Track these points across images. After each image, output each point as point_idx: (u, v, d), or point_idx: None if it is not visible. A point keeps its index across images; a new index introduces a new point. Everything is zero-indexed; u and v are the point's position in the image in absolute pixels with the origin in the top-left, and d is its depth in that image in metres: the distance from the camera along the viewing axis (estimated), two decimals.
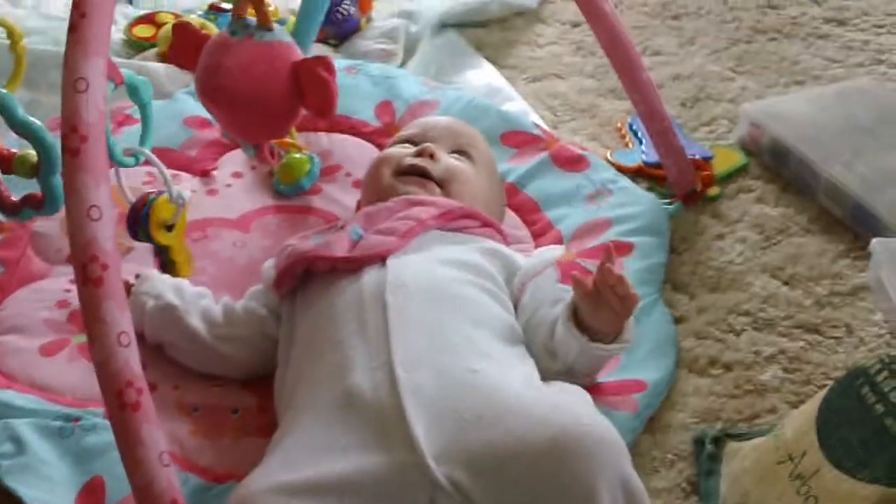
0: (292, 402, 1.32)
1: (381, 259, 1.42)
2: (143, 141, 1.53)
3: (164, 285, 1.54)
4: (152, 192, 1.52)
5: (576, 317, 1.36)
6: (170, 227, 1.53)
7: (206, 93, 1.61)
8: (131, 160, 1.50)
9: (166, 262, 1.52)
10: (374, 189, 1.61)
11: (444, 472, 1.16)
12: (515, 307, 1.46)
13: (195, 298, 1.53)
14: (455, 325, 1.34)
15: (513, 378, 1.28)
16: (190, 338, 1.49)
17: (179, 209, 1.53)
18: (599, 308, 1.34)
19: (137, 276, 1.57)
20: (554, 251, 1.57)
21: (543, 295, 1.46)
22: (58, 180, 1.36)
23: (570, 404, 1.25)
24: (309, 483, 1.15)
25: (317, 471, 1.16)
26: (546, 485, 1.13)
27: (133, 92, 1.49)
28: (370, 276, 1.39)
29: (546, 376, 1.37)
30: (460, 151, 1.65)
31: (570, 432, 1.14)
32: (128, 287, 1.49)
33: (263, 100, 1.60)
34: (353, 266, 1.42)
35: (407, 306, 1.34)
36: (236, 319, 1.50)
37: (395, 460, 1.18)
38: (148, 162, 1.53)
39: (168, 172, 1.52)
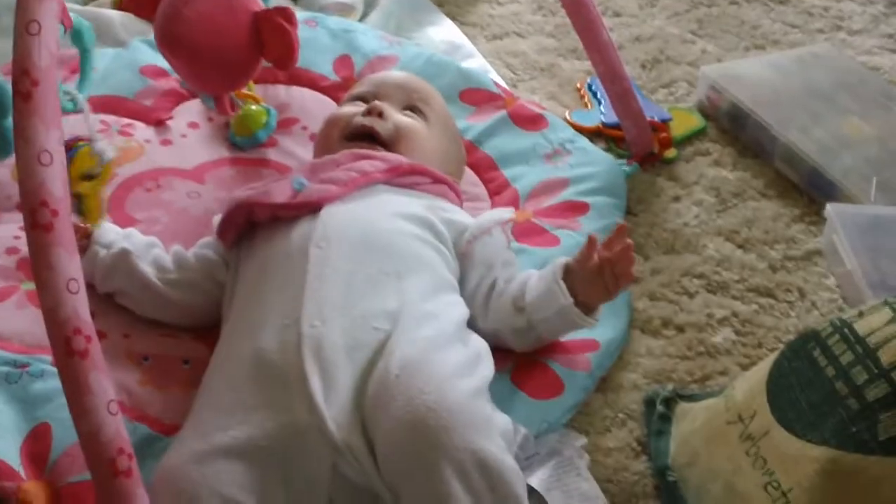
0: (214, 355, 1.31)
1: (316, 208, 1.40)
2: (81, 86, 1.50)
3: (115, 234, 1.52)
4: (81, 140, 1.50)
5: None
6: (90, 177, 1.50)
7: (165, 42, 1.59)
8: (70, 104, 1.47)
9: (77, 209, 1.50)
10: (324, 151, 1.59)
11: (343, 436, 1.15)
12: (462, 264, 1.46)
13: (145, 246, 1.51)
14: (376, 277, 1.32)
15: (418, 339, 1.25)
16: (141, 283, 1.48)
17: (100, 164, 1.50)
18: (594, 281, 1.36)
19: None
20: (504, 213, 1.56)
21: (494, 253, 1.46)
22: (9, 123, 1.34)
23: (442, 378, 1.20)
24: (219, 448, 1.14)
25: (225, 435, 1.16)
26: (408, 462, 1.12)
27: (77, 36, 1.47)
28: (301, 227, 1.38)
29: (495, 330, 1.40)
30: (413, 108, 1.63)
31: (420, 409, 1.13)
32: (84, 232, 1.49)
33: (223, 50, 1.58)
34: (289, 213, 1.40)
35: (329, 258, 1.32)
36: (186, 265, 1.49)
37: (296, 421, 1.17)
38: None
39: (94, 123, 1.49)
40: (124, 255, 1.48)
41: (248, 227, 1.45)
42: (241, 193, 1.47)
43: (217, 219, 1.51)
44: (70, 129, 1.47)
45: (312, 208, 1.40)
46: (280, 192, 1.43)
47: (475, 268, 1.45)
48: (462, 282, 1.45)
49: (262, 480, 1.14)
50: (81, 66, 1.50)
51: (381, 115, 1.58)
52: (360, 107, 1.62)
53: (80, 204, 1.46)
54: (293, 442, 1.16)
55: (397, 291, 1.31)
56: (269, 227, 1.42)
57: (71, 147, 1.42)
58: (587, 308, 1.38)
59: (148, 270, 1.48)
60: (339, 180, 1.44)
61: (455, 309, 1.37)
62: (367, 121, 1.58)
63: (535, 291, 1.40)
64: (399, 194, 1.47)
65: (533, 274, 1.44)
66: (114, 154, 1.44)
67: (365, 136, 1.57)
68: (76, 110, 1.49)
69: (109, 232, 1.53)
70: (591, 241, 1.37)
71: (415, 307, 1.30)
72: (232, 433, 1.16)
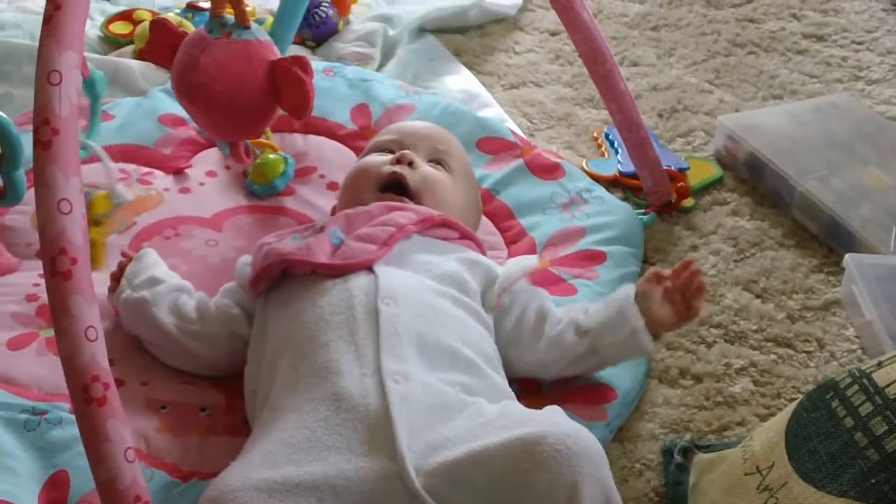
0: (268, 400, 1.30)
1: (365, 267, 1.41)
2: (90, 134, 1.51)
3: (145, 274, 1.53)
4: (93, 186, 1.50)
5: None
6: (98, 223, 1.51)
7: (182, 90, 1.61)
8: (81, 153, 1.48)
9: None
10: (353, 200, 1.59)
11: (423, 482, 1.16)
12: (495, 313, 1.47)
13: (170, 292, 1.52)
14: (445, 341, 1.33)
15: (493, 398, 1.29)
16: (160, 333, 1.49)
17: (115, 208, 1.51)
18: (665, 302, 1.41)
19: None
20: (529, 260, 1.57)
21: (527, 298, 1.49)
22: (20, 174, 1.35)
23: (549, 416, 1.25)
24: (290, 481, 1.14)
25: (298, 470, 1.15)
26: (526, 491, 1.13)
27: (89, 85, 1.48)
28: (359, 281, 1.38)
29: (541, 361, 1.45)
30: (438, 160, 1.63)
31: (554, 434, 1.14)
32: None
33: (239, 98, 1.59)
34: (336, 272, 1.41)
35: (398, 317, 1.33)
36: (208, 317, 1.49)
37: (377, 467, 1.17)
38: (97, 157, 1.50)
39: (114, 168, 1.50)
40: (142, 303, 1.49)
41: (280, 276, 1.46)
42: (279, 247, 1.46)
43: (241, 264, 1.52)
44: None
45: (360, 268, 1.41)
46: (321, 250, 1.43)
47: (511, 310, 1.48)
48: (498, 325, 1.47)
49: None
50: (92, 114, 1.51)
51: (411, 164, 1.59)
52: (387, 156, 1.62)
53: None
54: (370, 485, 1.16)
55: (464, 355, 1.33)
56: (306, 277, 1.42)
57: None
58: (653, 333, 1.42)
59: (167, 321, 1.48)
60: (377, 238, 1.44)
61: (504, 381, 1.40)
62: (398, 169, 1.58)
63: (603, 315, 1.43)
64: (432, 249, 1.48)
65: (584, 304, 1.48)
66: (131, 197, 1.44)
67: (394, 187, 1.57)
68: (88, 158, 1.49)
69: (144, 270, 1.54)
70: (655, 272, 1.43)
71: (479, 370, 1.33)
72: (306, 469, 1.16)
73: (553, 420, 1.21)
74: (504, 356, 1.43)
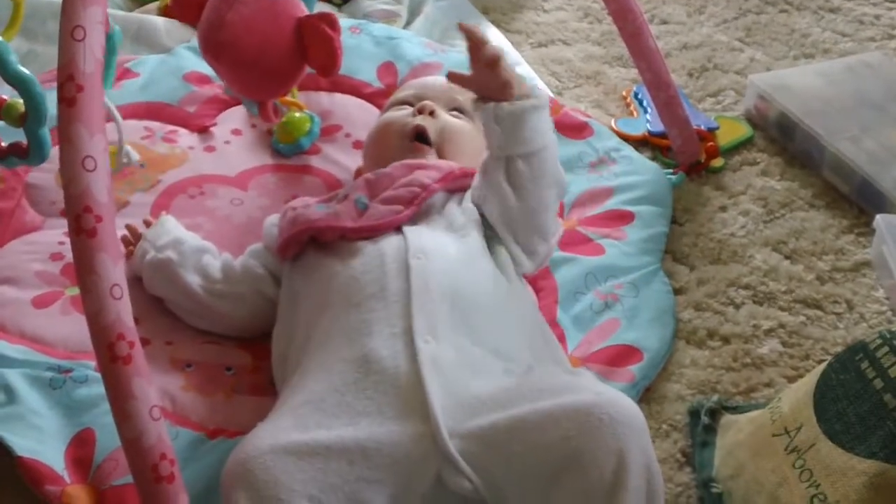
0: (301, 362, 1.30)
1: (394, 228, 1.41)
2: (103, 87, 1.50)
3: (168, 236, 1.54)
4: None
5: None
6: None
7: (209, 48, 1.60)
8: None
9: None
10: (379, 156, 1.59)
11: (457, 444, 1.15)
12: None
13: (195, 253, 1.52)
14: (475, 299, 1.32)
15: (521, 358, 1.28)
16: (185, 293, 1.49)
17: (121, 166, 1.50)
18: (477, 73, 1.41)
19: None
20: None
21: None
22: (44, 132, 1.34)
23: (586, 382, 1.24)
24: (320, 445, 1.13)
25: (329, 434, 1.15)
26: (568, 456, 1.11)
27: (107, 39, 1.46)
28: (389, 241, 1.38)
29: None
30: (459, 109, 1.63)
31: (600, 404, 1.12)
32: (136, 234, 1.53)
33: (266, 56, 1.58)
34: (365, 235, 1.41)
35: (429, 271, 1.32)
36: (234, 277, 1.49)
37: (409, 430, 1.16)
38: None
39: (123, 125, 1.49)
40: (168, 264, 1.49)
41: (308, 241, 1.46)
42: (306, 213, 1.46)
43: (269, 225, 1.52)
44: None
45: (388, 229, 1.41)
46: (347, 216, 1.43)
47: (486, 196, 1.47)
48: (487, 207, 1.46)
49: (359, 482, 1.13)
50: (105, 68, 1.50)
51: (432, 113, 1.59)
52: (408, 110, 1.62)
53: None
54: (402, 449, 1.15)
55: (495, 316, 1.32)
56: (336, 243, 1.42)
57: None
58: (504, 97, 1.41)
59: (192, 280, 1.49)
60: (402, 198, 1.44)
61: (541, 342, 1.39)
62: (419, 119, 1.58)
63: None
64: (455, 202, 1.48)
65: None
66: (137, 158, 1.43)
67: (418, 137, 1.57)
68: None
69: (166, 233, 1.55)
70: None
71: (510, 331, 1.32)
72: (337, 433, 1.15)
73: (596, 388, 1.19)
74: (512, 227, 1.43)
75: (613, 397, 1.14)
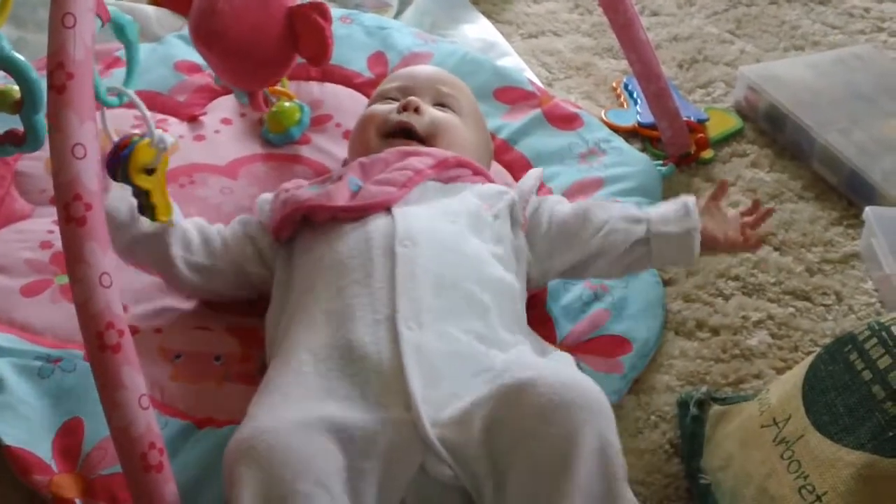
0: (286, 340, 1.30)
1: (384, 208, 1.40)
2: (127, 81, 1.49)
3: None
4: (136, 134, 1.49)
5: None
6: (150, 171, 1.49)
7: (199, 36, 1.59)
8: (115, 100, 1.46)
9: (145, 206, 1.50)
10: (362, 150, 1.58)
11: (438, 433, 1.15)
12: (525, 229, 1.48)
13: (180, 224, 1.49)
14: (461, 284, 1.32)
15: (506, 345, 1.28)
16: (166, 264, 1.47)
17: (160, 153, 1.49)
18: (723, 222, 1.49)
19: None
20: (537, 171, 1.62)
21: (551, 200, 1.53)
22: (40, 119, 1.33)
23: (551, 363, 1.26)
24: (319, 420, 1.14)
25: (324, 410, 1.15)
26: (521, 440, 1.12)
27: (119, 30, 1.45)
28: (377, 224, 1.38)
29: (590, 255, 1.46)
30: (443, 103, 1.62)
31: (545, 380, 1.13)
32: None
33: (257, 45, 1.58)
34: (355, 214, 1.40)
35: (416, 259, 1.32)
36: (216, 252, 1.48)
37: (391, 418, 1.17)
38: (133, 104, 1.49)
39: (150, 115, 1.49)
40: (156, 234, 1.46)
41: (302, 223, 1.45)
42: (298, 194, 1.46)
43: (262, 201, 1.52)
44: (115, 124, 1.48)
45: (379, 209, 1.40)
46: (340, 196, 1.43)
47: (540, 215, 1.49)
48: (533, 234, 1.47)
49: (352, 467, 1.13)
50: (128, 61, 1.49)
51: (416, 110, 1.58)
52: (393, 104, 1.61)
53: (145, 199, 1.46)
54: (385, 437, 1.15)
55: (480, 299, 1.32)
56: (327, 223, 1.42)
57: (127, 144, 1.41)
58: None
59: (176, 253, 1.46)
60: (395, 181, 1.44)
61: (524, 323, 1.40)
62: (404, 117, 1.57)
63: (664, 208, 1.47)
64: (449, 192, 1.47)
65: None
66: (172, 141, 1.43)
67: (402, 133, 1.56)
68: (123, 104, 1.48)
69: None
70: (722, 185, 1.52)
71: (497, 314, 1.32)
72: (330, 410, 1.16)
73: (552, 367, 1.21)
74: (547, 264, 1.46)
75: (570, 381, 1.15)
